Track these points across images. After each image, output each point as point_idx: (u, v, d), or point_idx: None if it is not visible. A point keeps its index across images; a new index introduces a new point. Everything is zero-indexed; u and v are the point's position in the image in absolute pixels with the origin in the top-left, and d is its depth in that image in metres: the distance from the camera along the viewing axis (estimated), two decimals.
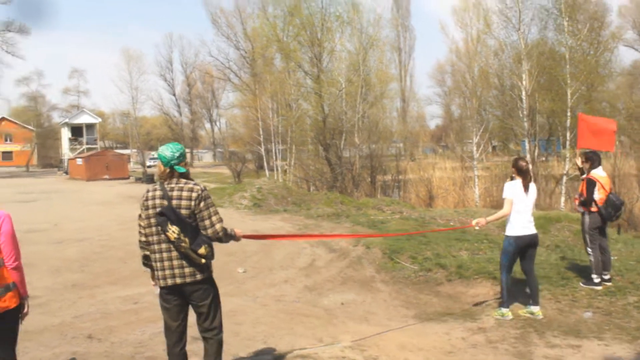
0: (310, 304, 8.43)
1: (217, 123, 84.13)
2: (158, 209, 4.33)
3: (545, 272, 8.77)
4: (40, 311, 8.29)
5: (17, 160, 79.57)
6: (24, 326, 7.33)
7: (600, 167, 8.15)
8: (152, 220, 4.40)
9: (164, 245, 4.39)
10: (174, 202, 4.34)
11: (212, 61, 69.09)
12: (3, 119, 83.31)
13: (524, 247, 7.12)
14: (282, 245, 12.94)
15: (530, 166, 24.20)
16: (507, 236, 7.14)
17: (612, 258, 8.83)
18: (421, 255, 10.86)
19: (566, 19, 26.45)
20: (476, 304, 8.00)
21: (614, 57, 30.01)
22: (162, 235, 4.35)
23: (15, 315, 4.17)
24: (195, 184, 4.47)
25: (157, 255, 4.43)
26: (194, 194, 4.37)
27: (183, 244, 4.24)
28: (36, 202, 27.70)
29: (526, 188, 7.08)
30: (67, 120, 70.26)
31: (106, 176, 47.42)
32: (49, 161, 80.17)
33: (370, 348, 6.08)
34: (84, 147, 65.96)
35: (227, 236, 4.51)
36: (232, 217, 18.49)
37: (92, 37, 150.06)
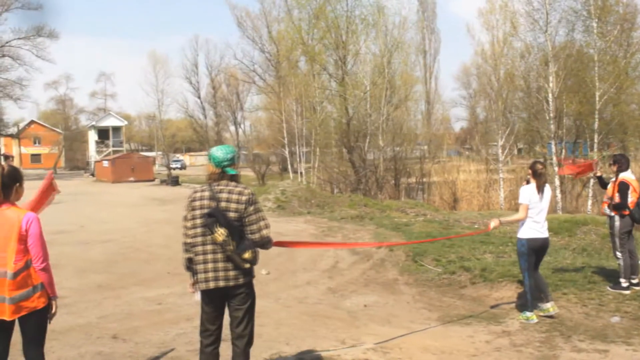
0: (333, 306, 8.41)
1: (242, 126, 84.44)
2: (205, 210, 4.28)
3: (571, 276, 8.64)
4: (66, 311, 8.39)
5: (46, 163, 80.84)
6: (51, 326, 7.47)
7: (629, 170, 8.02)
8: (198, 222, 4.33)
9: (209, 247, 4.32)
10: (223, 204, 4.29)
11: (237, 64, 69.50)
12: (32, 122, 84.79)
13: (538, 249, 7.05)
14: (304, 248, 12.94)
15: (556, 169, 23.90)
16: (519, 238, 7.12)
17: None
18: (445, 258, 10.79)
19: (596, 20, 26.05)
20: (500, 307, 7.91)
21: None
22: (208, 237, 4.28)
23: (44, 315, 4.22)
24: (245, 188, 4.41)
25: (201, 257, 4.35)
26: (244, 198, 4.31)
27: (229, 247, 4.20)
28: (63, 204, 28.00)
29: (540, 190, 7.00)
30: (94, 123, 71.34)
31: (132, 178, 47.93)
32: (76, 163, 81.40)
33: (393, 350, 6.04)
34: (110, 149, 66.84)
35: (269, 242, 4.49)
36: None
37: (119, 41, 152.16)
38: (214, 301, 4.41)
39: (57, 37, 58.72)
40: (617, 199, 7.85)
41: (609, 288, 7.95)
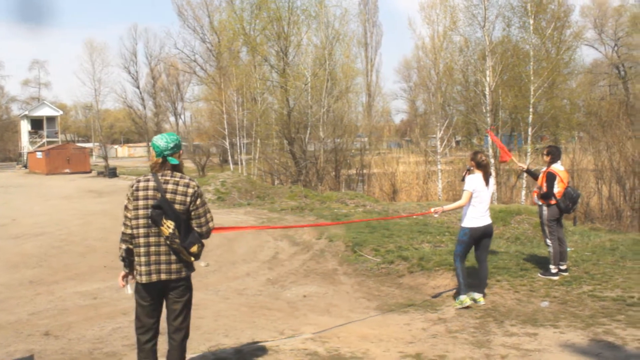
0: (273, 297, 8.41)
1: (182, 116, 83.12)
2: (150, 201, 4.16)
3: (504, 264, 8.93)
4: None
5: None
6: None
7: (559, 162, 8.32)
8: (141, 212, 4.21)
9: (152, 239, 4.21)
10: (168, 195, 4.19)
11: (178, 54, 68.37)
12: None
13: (479, 237, 7.27)
14: (244, 239, 12.89)
15: (492, 161, 24.58)
16: (462, 227, 7.33)
17: (568, 249, 9.04)
18: (384, 248, 10.94)
19: (532, 17, 26.86)
20: (436, 295, 8.09)
21: (576, 55, 30.56)
22: (151, 229, 4.17)
23: None
24: (191, 180, 4.33)
25: (143, 249, 4.23)
26: (190, 190, 4.25)
27: (176, 240, 4.11)
28: None
29: (487, 182, 7.21)
30: (26, 112, 68.55)
31: (67, 170, 46.44)
32: (8, 154, 78.16)
33: (332, 340, 6.10)
34: (44, 140, 64.43)
35: (210, 233, 4.42)
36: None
37: (55, 28, 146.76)
38: (152, 294, 4.31)
39: None
40: (544, 188, 8.16)
41: (539, 274, 8.25)
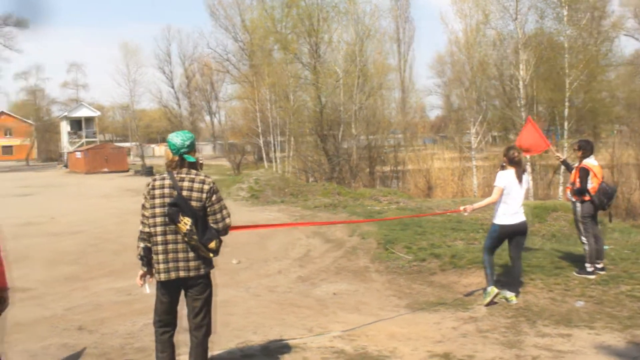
0: (303, 295, 8.40)
1: (217, 115, 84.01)
2: (167, 199, 4.19)
3: (539, 262, 8.74)
4: (33, 303, 8.29)
5: (18, 155, 79.58)
6: (17, 318, 7.40)
7: (592, 156, 8.09)
8: (158, 211, 4.23)
9: (169, 237, 4.23)
10: (184, 193, 4.21)
11: (211, 53, 69.05)
12: (2, 113, 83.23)
13: (511, 234, 7.13)
14: (276, 236, 12.92)
15: (527, 156, 24.14)
16: (493, 223, 7.23)
17: (606, 247, 8.82)
18: (416, 245, 10.82)
19: (566, 8, 26.26)
20: (468, 294, 7.97)
21: (615, 46, 29.80)
22: (168, 227, 4.19)
23: None
24: (206, 176, 4.35)
25: (161, 247, 4.25)
26: (206, 187, 4.26)
27: (194, 236, 4.12)
28: (34, 196, 27.70)
29: (519, 178, 7.03)
30: (66, 113, 70.16)
31: (105, 169, 47.37)
32: (50, 155, 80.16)
33: (360, 338, 6.05)
34: (83, 140, 65.86)
35: (228, 230, 4.43)
36: (230, 209, 18.45)
37: (91, 31, 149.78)
38: (172, 291, 4.34)
39: (26, 26, 57.68)
40: (577, 184, 7.95)
41: (575, 273, 8.04)
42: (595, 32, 29.27)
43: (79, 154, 50.86)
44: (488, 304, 7.05)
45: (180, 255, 4.23)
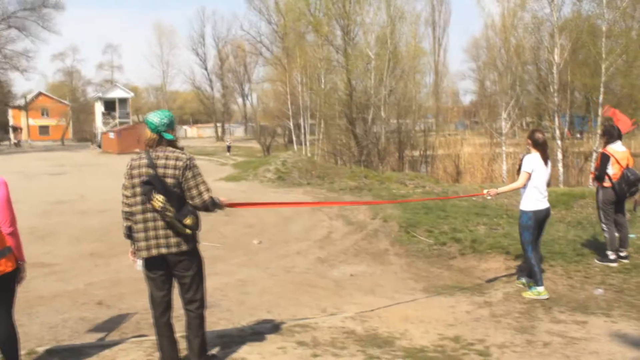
0: (320, 275, 8.44)
1: (249, 97, 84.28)
2: (143, 178, 4.23)
3: (560, 248, 8.61)
4: (55, 278, 8.51)
5: (54, 135, 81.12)
6: (39, 292, 7.61)
7: (619, 142, 7.88)
8: (137, 190, 4.28)
9: (149, 215, 4.27)
10: (160, 170, 4.24)
11: (244, 35, 69.24)
12: (40, 94, 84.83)
13: (542, 221, 6.88)
14: (300, 218, 12.99)
15: (559, 142, 23.69)
16: (524, 211, 6.80)
17: (632, 236, 8.62)
18: (437, 229, 10.76)
19: None
20: (487, 279, 7.90)
21: None
22: (147, 205, 4.22)
23: (12, 279, 4.20)
24: (182, 153, 4.36)
25: (141, 225, 4.29)
26: (180, 163, 4.26)
27: (168, 213, 4.15)
28: (67, 175, 28.32)
29: (545, 161, 6.79)
30: (100, 94, 71.26)
31: (137, 150, 47.85)
32: (84, 135, 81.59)
33: (372, 319, 6.04)
34: (117, 121, 66.89)
35: (213, 205, 4.40)
36: (255, 190, 18.59)
37: (126, 12, 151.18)
38: (157, 268, 4.36)
39: (63, 8, 58.65)
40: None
41: (596, 261, 7.90)
42: (638, 15, 28.38)
43: (112, 135, 51.69)
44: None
45: (160, 232, 4.27)
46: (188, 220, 4.22)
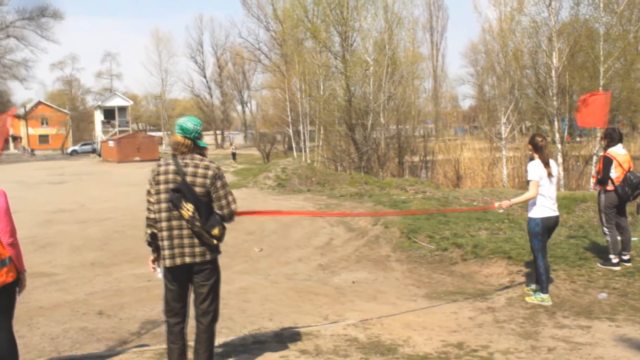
0: (321, 282, 8.40)
1: (248, 104, 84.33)
2: (171, 185, 4.14)
3: (563, 252, 8.56)
4: (56, 288, 8.47)
5: (54, 143, 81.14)
6: (40, 302, 7.57)
7: (620, 145, 7.85)
8: (163, 196, 4.18)
9: (174, 223, 4.18)
10: (189, 178, 4.15)
11: (243, 42, 69.37)
12: (39, 103, 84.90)
13: (551, 228, 6.83)
14: (300, 225, 12.94)
15: (559, 146, 23.67)
16: (532, 218, 6.74)
17: (635, 239, 8.58)
18: (439, 235, 10.73)
19: None
20: (488, 283, 7.86)
21: None
22: (173, 213, 4.15)
23: (12, 289, 4.16)
24: (210, 162, 4.27)
25: (166, 233, 4.20)
26: (210, 172, 4.18)
27: (197, 223, 4.08)
28: (67, 184, 28.27)
29: (546, 164, 6.72)
30: (99, 103, 71.30)
31: (137, 158, 48.03)
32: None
33: (374, 326, 6.00)
34: (116, 129, 66.88)
35: (234, 216, 4.35)
36: (255, 197, 18.54)
37: (125, 21, 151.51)
38: (179, 278, 4.28)
39: (62, 17, 58.69)
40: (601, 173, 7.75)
41: (599, 264, 7.85)
42: (635, 18, 28.36)
43: (111, 143, 51.69)
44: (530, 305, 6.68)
45: (186, 241, 4.19)
46: (216, 231, 4.15)
